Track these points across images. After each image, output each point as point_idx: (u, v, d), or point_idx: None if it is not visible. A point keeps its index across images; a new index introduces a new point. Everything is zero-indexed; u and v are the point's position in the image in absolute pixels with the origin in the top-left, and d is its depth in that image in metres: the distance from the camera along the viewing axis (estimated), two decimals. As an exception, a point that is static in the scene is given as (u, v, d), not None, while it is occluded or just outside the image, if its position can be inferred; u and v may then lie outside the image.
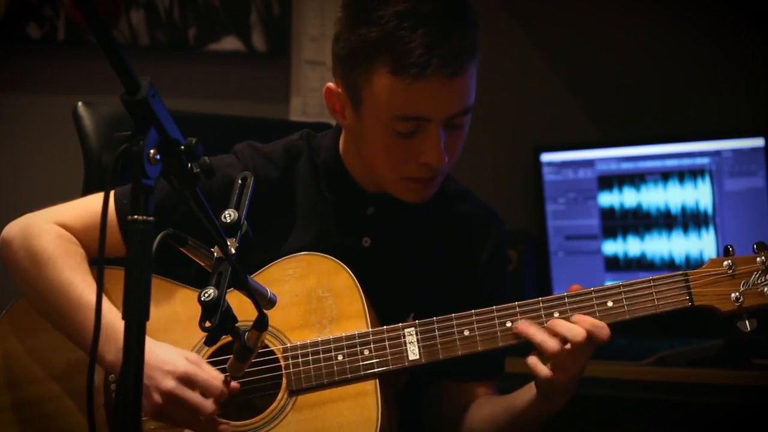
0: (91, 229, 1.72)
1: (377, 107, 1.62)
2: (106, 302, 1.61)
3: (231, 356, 1.44)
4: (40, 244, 1.69)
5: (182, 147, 1.18)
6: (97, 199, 1.76)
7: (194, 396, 1.55)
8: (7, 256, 1.73)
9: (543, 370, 1.59)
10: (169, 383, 1.54)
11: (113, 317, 1.58)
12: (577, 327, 1.57)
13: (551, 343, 1.57)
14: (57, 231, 1.71)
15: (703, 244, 2.85)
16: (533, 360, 1.60)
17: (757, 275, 1.59)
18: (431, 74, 1.58)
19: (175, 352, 1.59)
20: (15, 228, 1.73)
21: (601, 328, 1.58)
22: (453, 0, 1.63)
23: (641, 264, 2.93)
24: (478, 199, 1.87)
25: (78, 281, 1.65)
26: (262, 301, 1.40)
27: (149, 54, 2.89)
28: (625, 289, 1.61)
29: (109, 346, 1.57)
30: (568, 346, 1.56)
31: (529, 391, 1.68)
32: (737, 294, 1.59)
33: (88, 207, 1.75)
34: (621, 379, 2.51)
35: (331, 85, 1.71)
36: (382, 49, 1.60)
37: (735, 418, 2.70)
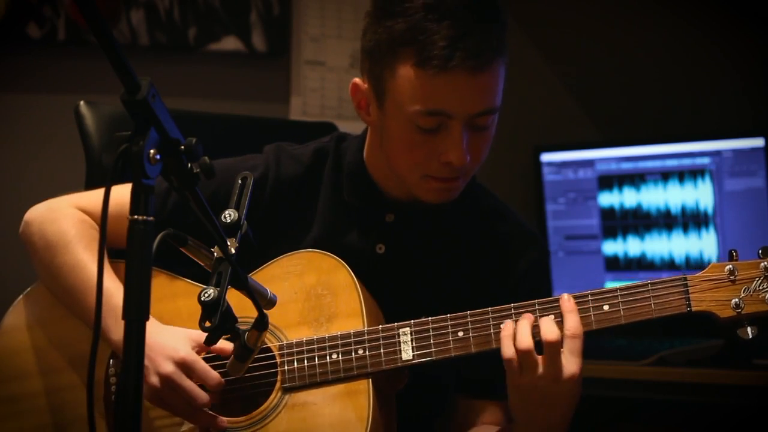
0: (111, 216, 1.73)
1: (400, 101, 1.61)
2: (116, 284, 1.63)
3: (231, 356, 1.45)
4: (61, 226, 1.71)
5: (182, 147, 1.18)
6: (119, 188, 1.78)
7: (190, 384, 1.56)
8: (27, 237, 1.75)
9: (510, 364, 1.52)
10: (168, 367, 1.55)
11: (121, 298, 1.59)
12: (554, 326, 1.52)
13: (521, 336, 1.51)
14: (79, 216, 1.74)
15: (703, 244, 2.85)
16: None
17: (759, 281, 1.53)
18: (454, 68, 1.56)
19: (181, 336, 1.60)
20: (37, 211, 1.76)
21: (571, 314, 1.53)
22: None
23: (641, 264, 2.93)
24: (517, 219, 1.83)
25: (94, 264, 1.67)
26: (262, 301, 1.40)
27: (149, 54, 2.89)
28: (622, 293, 1.56)
29: (115, 325, 1.59)
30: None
31: (511, 430, 1.64)
32: (737, 300, 1.53)
33: (112, 195, 1.75)
34: (621, 379, 2.51)
35: (357, 80, 1.70)
36: (407, 41, 1.58)
37: (735, 418, 2.70)
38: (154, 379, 1.55)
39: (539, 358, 1.51)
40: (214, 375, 1.58)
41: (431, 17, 1.57)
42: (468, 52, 1.56)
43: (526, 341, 1.51)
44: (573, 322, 1.53)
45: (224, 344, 1.59)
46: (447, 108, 1.59)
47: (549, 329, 1.51)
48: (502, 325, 1.56)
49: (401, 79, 1.60)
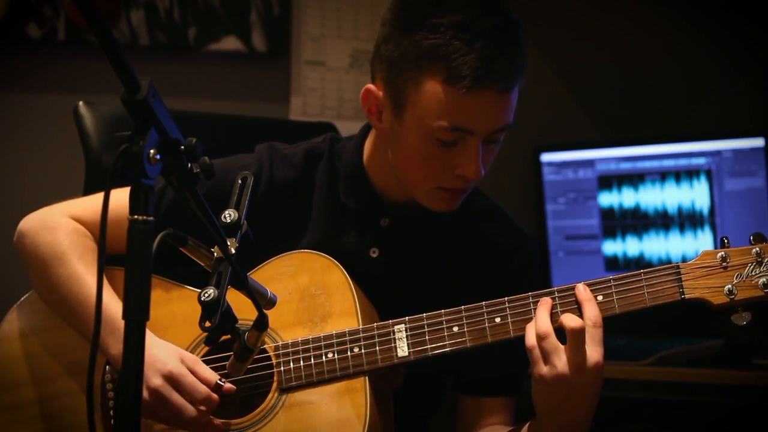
0: (109, 222, 1.72)
1: (423, 114, 1.62)
2: (111, 296, 1.63)
3: (231, 356, 1.45)
4: (56, 237, 1.70)
5: (182, 147, 1.18)
6: (116, 193, 1.78)
7: (177, 398, 1.56)
8: (22, 248, 1.74)
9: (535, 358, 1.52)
10: (157, 381, 1.55)
11: (118, 311, 1.58)
12: (574, 314, 1.52)
13: (541, 323, 1.52)
14: (73, 225, 1.73)
15: (703, 245, 2.85)
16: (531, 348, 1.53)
17: (752, 267, 1.54)
18: (484, 88, 1.58)
19: (172, 351, 1.60)
20: (31, 221, 1.75)
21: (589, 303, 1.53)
22: (510, 17, 1.64)
23: (640, 264, 2.93)
24: (508, 219, 1.85)
25: (89, 276, 1.67)
26: (262, 301, 1.40)
27: (149, 54, 2.88)
28: (615, 283, 1.57)
29: (113, 340, 1.59)
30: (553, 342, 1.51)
31: (534, 425, 1.63)
32: (730, 287, 1.54)
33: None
34: (621, 379, 2.51)
35: (371, 86, 1.70)
36: (437, 57, 1.59)
37: (735, 418, 2.70)
38: (143, 392, 1.55)
39: (562, 348, 1.51)
40: (200, 389, 1.57)
41: (464, 36, 1.58)
42: (499, 74, 1.59)
43: (544, 326, 1.51)
44: (593, 310, 1.53)
45: (207, 374, 1.59)
46: (471, 125, 1.61)
47: (570, 318, 1.51)
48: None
49: (427, 93, 1.61)
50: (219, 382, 1.59)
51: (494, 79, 1.59)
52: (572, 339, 1.50)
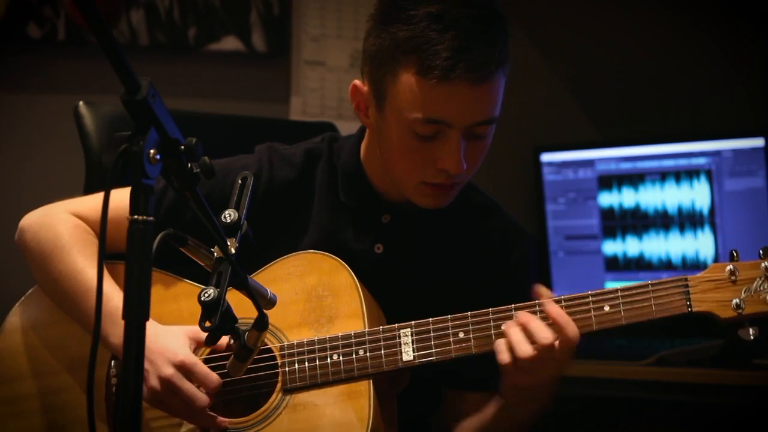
0: (109, 221, 1.73)
1: (400, 107, 1.62)
2: (112, 287, 1.64)
3: (231, 355, 1.45)
4: (57, 232, 1.71)
5: (182, 147, 1.18)
6: (117, 192, 1.79)
7: (189, 387, 1.57)
8: (23, 244, 1.75)
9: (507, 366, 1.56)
10: (168, 370, 1.56)
11: (120, 301, 1.59)
12: (547, 330, 1.53)
13: (520, 347, 1.55)
14: (74, 221, 1.73)
15: (703, 245, 2.85)
16: (502, 352, 1.56)
17: (760, 282, 1.54)
18: (456, 79, 1.57)
19: (180, 336, 1.60)
20: (33, 217, 1.76)
21: (567, 323, 1.54)
22: (487, 8, 1.62)
23: (640, 264, 2.93)
24: (505, 214, 1.85)
25: (90, 268, 1.67)
26: (262, 301, 1.40)
27: (149, 54, 2.88)
28: (623, 294, 1.57)
29: (114, 329, 1.59)
30: (535, 351, 1.53)
31: (497, 401, 1.68)
32: (738, 301, 1.54)
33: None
34: (621, 379, 2.51)
35: (357, 82, 1.70)
36: (410, 49, 1.59)
37: (735, 418, 2.70)
38: (154, 382, 1.55)
39: (537, 360, 1.53)
40: (213, 377, 1.58)
41: (435, 27, 1.58)
42: (470, 64, 1.57)
43: (523, 350, 1.54)
44: (573, 329, 1.54)
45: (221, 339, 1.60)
46: (446, 117, 1.60)
47: (544, 335, 1.53)
48: (503, 326, 1.58)
49: (402, 85, 1.61)
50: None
51: (465, 69, 1.57)
52: (546, 354, 1.53)
